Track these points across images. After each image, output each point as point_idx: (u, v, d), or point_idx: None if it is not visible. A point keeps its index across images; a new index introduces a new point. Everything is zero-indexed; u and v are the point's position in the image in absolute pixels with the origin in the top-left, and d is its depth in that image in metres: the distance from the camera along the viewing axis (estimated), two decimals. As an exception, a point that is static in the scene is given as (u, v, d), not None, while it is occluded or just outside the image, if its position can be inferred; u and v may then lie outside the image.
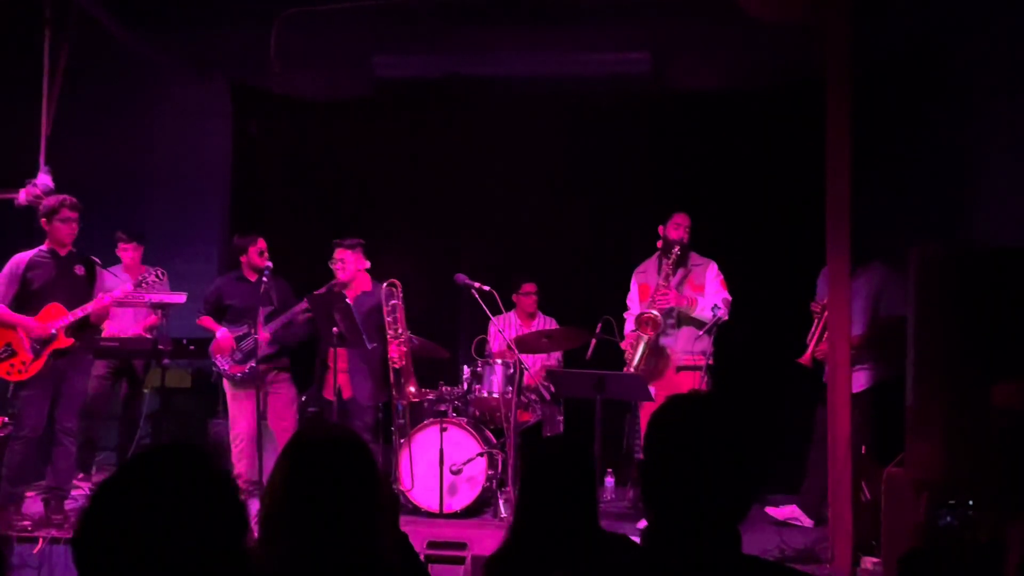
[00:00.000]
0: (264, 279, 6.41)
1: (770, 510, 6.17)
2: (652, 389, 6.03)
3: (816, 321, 6.20)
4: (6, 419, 6.39)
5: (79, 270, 6.04)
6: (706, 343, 6.20)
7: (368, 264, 6.73)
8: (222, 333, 6.63)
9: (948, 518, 3.20)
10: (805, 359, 6.16)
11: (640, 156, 7.91)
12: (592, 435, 5.61)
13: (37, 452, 6.06)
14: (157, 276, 6.23)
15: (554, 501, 2.86)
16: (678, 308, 6.23)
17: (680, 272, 6.31)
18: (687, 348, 6.26)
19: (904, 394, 4.61)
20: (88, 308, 5.94)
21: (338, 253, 6.66)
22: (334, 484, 1.93)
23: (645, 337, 6.17)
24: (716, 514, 1.75)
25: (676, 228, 6.30)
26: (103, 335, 7.26)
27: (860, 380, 5.88)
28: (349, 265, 6.63)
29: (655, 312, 6.16)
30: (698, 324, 6.21)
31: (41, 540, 5.58)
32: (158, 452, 1.58)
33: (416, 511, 6.25)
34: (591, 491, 2.97)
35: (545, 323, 7.40)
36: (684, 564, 1.73)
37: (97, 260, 6.20)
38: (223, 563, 1.50)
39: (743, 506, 1.78)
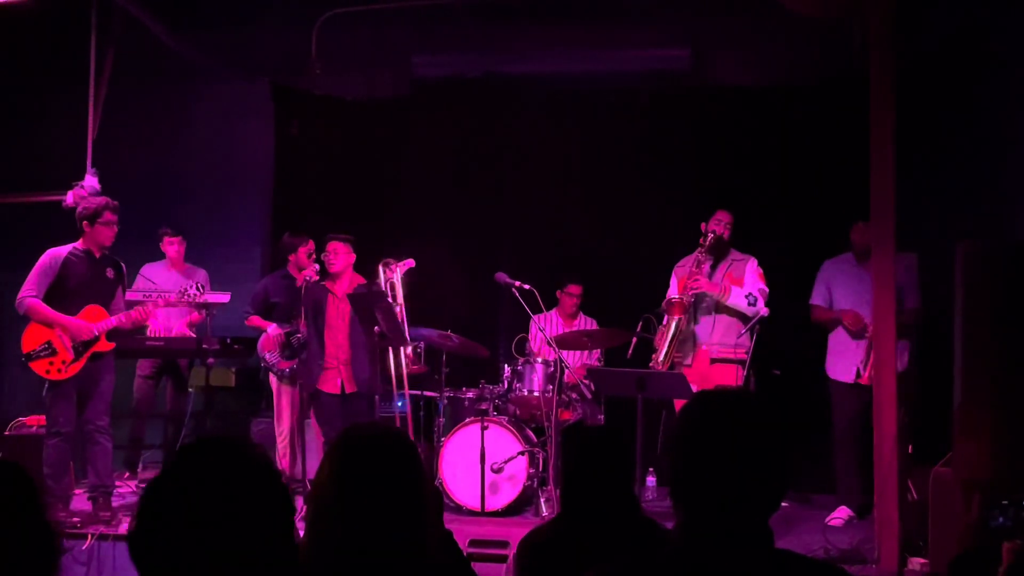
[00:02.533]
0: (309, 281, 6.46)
1: (828, 520, 6.09)
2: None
3: (859, 339, 6.14)
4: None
5: (109, 273, 6.07)
6: (746, 339, 6.15)
7: (352, 259, 6.70)
8: (273, 329, 6.72)
9: (1001, 519, 3.14)
10: (864, 380, 6.10)
11: (681, 153, 7.86)
12: (633, 434, 5.60)
13: (75, 450, 6.12)
14: (199, 288, 6.25)
15: (593, 489, 2.92)
16: (711, 295, 6.20)
17: (722, 266, 6.28)
18: (723, 340, 6.22)
19: (928, 386, 4.56)
20: (133, 315, 5.98)
21: (331, 245, 6.66)
22: (381, 482, 1.93)
23: (675, 319, 6.14)
24: (747, 509, 1.75)
25: (717, 223, 6.27)
26: (148, 334, 7.39)
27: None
28: (341, 257, 6.63)
29: (680, 296, 6.15)
30: (739, 316, 6.17)
31: (90, 537, 5.66)
32: (204, 446, 1.59)
33: (458, 509, 6.26)
34: (628, 480, 3.02)
35: (586, 324, 7.38)
36: (718, 560, 1.73)
37: (121, 262, 6.21)
38: (273, 554, 1.51)
39: (774, 501, 1.78)
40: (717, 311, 6.25)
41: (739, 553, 1.73)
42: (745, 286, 6.21)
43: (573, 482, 3.03)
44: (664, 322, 6.26)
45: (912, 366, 6.13)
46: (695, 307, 6.28)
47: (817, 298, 6.47)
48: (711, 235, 6.21)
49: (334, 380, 6.56)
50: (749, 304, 6.10)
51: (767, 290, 6.19)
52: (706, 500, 1.76)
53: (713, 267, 6.28)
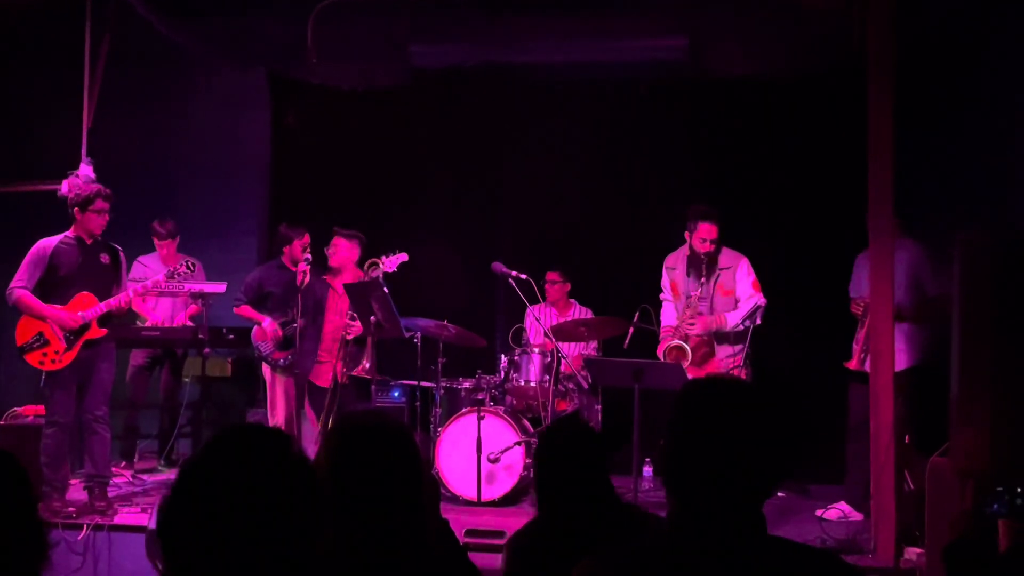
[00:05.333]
0: (305, 274, 6.45)
1: (820, 512, 6.04)
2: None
3: (860, 323, 6.10)
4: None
5: (104, 258, 6.05)
6: (744, 333, 6.15)
7: (355, 256, 6.68)
8: (268, 323, 6.70)
9: (995, 506, 3.14)
10: (854, 364, 6.08)
11: (678, 143, 7.85)
12: (630, 424, 5.60)
13: (73, 440, 6.11)
14: (188, 267, 6.24)
15: (563, 480, 2.92)
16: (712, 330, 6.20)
17: (705, 278, 6.22)
18: (728, 353, 6.23)
19: (941, 378, 4.55)
20: (122, 299, 5.97)
21: (334, 239, 6.68)
22: (378, 470, 1.93)
23: (683, 364, 6.09)
24: (741, 496, 1.75)
25: (701, 243, 6.17)
26: (146, 324, 7.38)
27: (898, 360, 5.75)
28: (340, 251, 6.64)
29: (679, 342, 6.11)
30: (736, 335, 6.19)
31: (85, 527, 5.66)
32: (240, 433, 1.59)
33: (454, 499, 6.26)
34: (600, 469, 2.98)
35: (581, 313, 7.37)
36: (711, 547, 1.73)
37: (120, 248, 6.20)
38: (303, 546, 1.51)
39: (767, 487, 1.78)
40: (719, 340, 6.24)
41: (732, 539, 1.73)
42: (741, 302, 6.18)
43: (542, 476, 3.01)
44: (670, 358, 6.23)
45: (929, 359, 6.04)
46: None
47: (851, 290, 6.43)
48: (703, 257, 6.16)
49: (327, 374, 6.56)
50: (746, 319, 6.07)
51: (763, 304, 6.11)
52: (699, 487, 1.76)
53: (699, 276, 6.23)
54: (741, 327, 6.13)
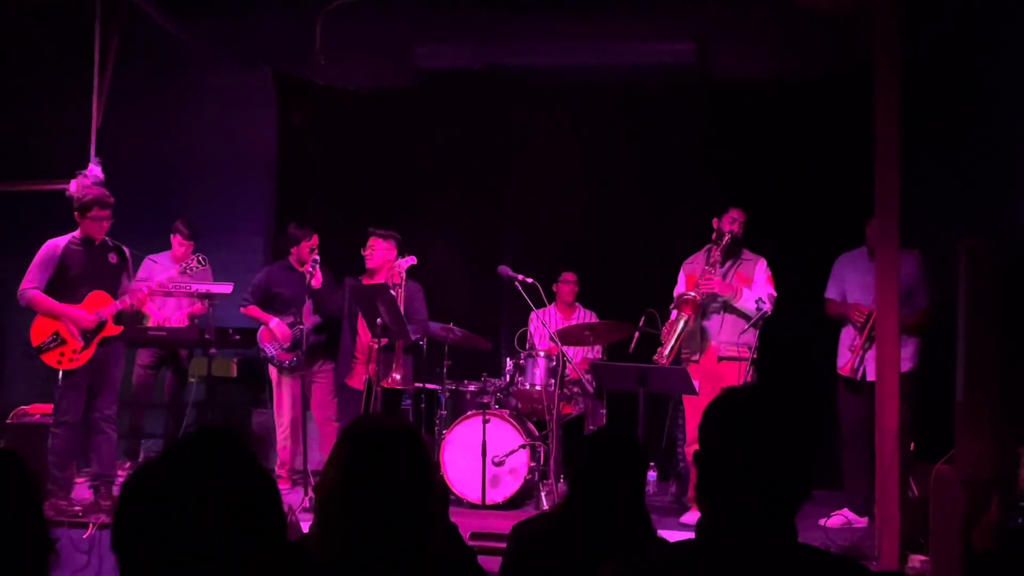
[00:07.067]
0: (312, 274, 6.45)
1: (823, 522, 6.01)
2: (696, 382, 5.96)
3: (859, 330, 6.09)
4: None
5: (112, 258, 6.07)
6: (751, 336, 6.13)
7: (392, 256, 6.64)
8: (276, 323, 6.70)
9: (1020, 520, 3.14)
10: (847, 370, 6.09)
11: (684, 147, 7.85)
12: (635, 429, 5.60)
13: (81, 440, 6.12)
14: (199, 261, 6.27)
15: (606, 487, 2.90)
16: (722, 296, 6.17)
17: (729, 262, 6.24)
18: (731, 339, 6.19)
19: (935, 382, 4.55)
20: (136, 296, 6.01)
21: (371, 240, 6.68)
22: (390, 473, 1.94)
23: (684, 317, 6.11)
24: (774, 505, 1.75)
25: (732, 223, 6.21)
26: (150, 324, 7.38)
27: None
28: (378, 253, 6.63)
29: (693, 294, 6.12)
30: (743, 315, 6.15)
31: (91, 525, 5.66)
32: (189, 439, 1.56)
33: (459, 502, 6.27)
34: (641, 485, 2.99)
35: (584, 315, 7.37)
36: (742, 555, 1.73)
37: (126, 248, 6.21)
38: (260, 546, 1.50)
39: (800, 496, 1.78)
40: (726, 310, 6.22)
41: (762, 548, 1.73)
42: (754, 288, 6.17)
43: (586, 483, 2.97)
44: (672, 317, 6.22)
45: (920, 365, 6.11)
46: (705, 305, 6.25)
47: (831, 292, 6.42)
48: (727, 235, 6.16)
49: (361, 376, 6.52)
50: (757, 309, 6.07)
51: (775, 295, 6.14)
52: (732, 495, 1.76)
53: (722, 264, 6.25)
54: (751, 307, 6.08)
